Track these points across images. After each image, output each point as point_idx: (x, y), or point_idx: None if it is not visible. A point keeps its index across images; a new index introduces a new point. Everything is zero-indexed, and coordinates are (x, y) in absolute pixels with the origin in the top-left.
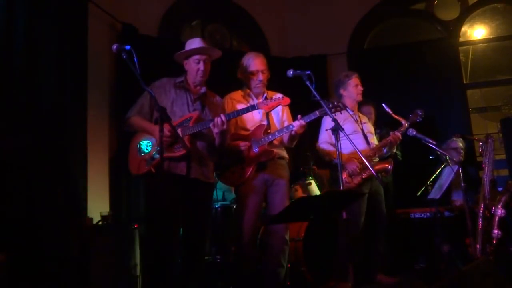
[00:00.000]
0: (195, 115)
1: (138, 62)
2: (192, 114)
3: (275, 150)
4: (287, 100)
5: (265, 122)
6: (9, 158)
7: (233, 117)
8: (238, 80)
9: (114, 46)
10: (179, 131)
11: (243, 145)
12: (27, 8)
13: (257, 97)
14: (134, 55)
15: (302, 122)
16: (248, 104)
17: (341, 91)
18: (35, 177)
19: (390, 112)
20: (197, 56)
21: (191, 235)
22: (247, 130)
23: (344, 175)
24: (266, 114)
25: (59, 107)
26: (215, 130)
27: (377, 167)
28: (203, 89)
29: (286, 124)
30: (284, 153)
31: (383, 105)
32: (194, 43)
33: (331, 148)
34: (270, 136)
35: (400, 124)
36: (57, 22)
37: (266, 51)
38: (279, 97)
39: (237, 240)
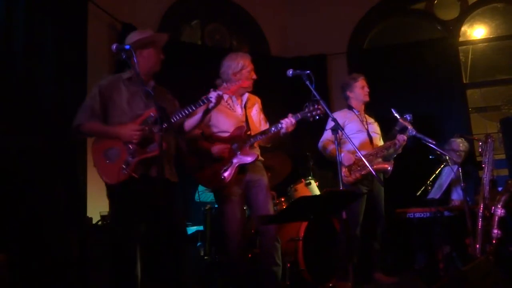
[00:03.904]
0: (155, 111)
1: None
2: (152, 111)
3: (255, 152)
4: (246, 82)
5: (244, 123)
6: (9, 158)
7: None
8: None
9: (114, 46)
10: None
11: (224, 147)
12: (27, 8)
13: (237, 98)
14: (134, 55)
15: (292, 120)
16: (227, 105)
17: (348, 93)
18: (35, 177)
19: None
20: (160, 44)
21: (171, 236)
22: (227, 132)
23: (344, 170)
24: (246, 115)
25: (59, 107)
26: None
27: (376, 167)
28: (152, 83)
29: (262, 123)
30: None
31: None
32: (149, 32)
33: (332, 146)
34: (252, 139)
35: (406, 128)
36: (57, 22)
37: (266, 51)
38: (239, 82)
39: (224, 246)
